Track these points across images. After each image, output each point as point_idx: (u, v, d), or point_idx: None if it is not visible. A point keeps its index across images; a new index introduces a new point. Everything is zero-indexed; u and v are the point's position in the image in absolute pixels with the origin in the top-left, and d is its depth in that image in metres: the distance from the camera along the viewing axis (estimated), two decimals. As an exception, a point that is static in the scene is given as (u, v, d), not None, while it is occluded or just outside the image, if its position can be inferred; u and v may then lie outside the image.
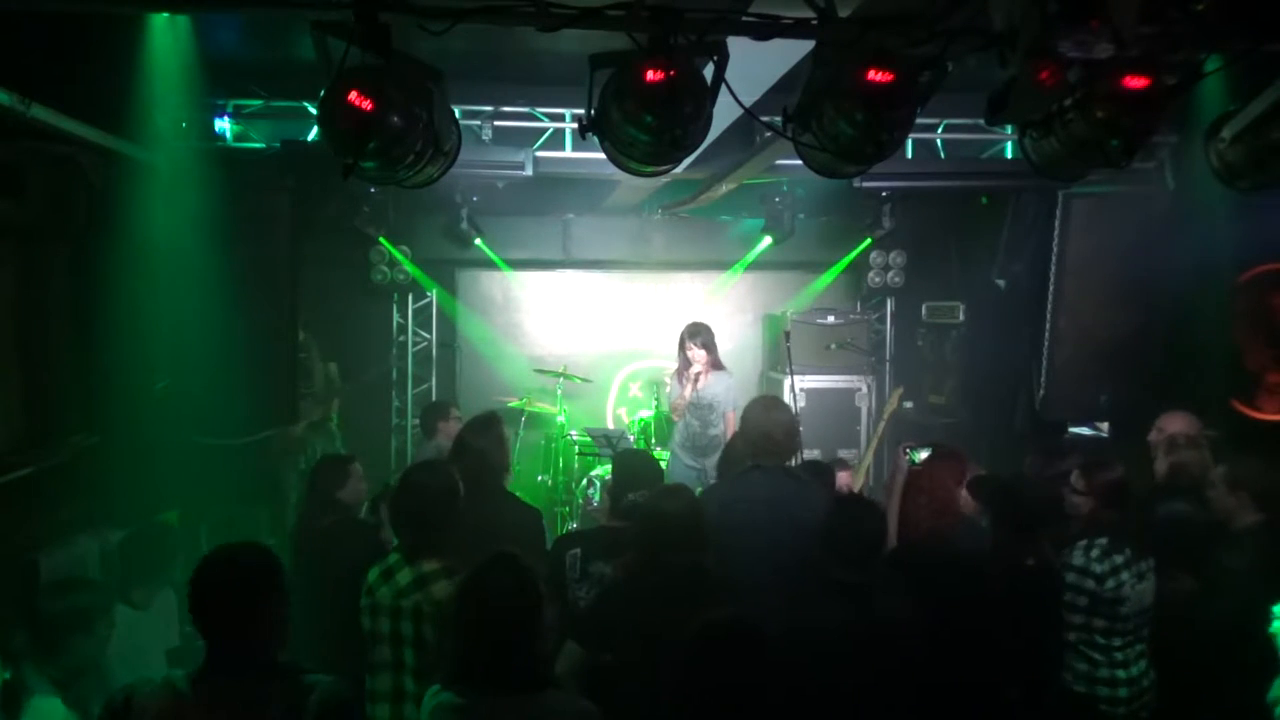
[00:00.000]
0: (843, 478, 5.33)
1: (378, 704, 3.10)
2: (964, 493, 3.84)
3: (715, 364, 6.40)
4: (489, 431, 4.08)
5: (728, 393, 6.37)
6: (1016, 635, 3.33)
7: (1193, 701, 3.59)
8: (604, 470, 6.94)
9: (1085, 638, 3.56)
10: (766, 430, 3.76)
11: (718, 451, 6.53)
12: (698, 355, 6.31)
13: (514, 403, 7.81)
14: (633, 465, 4.00)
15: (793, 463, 4.03)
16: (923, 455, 3.84)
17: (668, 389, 6.81)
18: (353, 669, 3.08)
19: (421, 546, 3.18)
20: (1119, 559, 3.53)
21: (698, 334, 6.34)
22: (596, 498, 6.79)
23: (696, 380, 6.27)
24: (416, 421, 8.57)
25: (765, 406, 3.92)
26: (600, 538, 3.76)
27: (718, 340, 6.52)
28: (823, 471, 4.59)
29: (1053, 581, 3.54)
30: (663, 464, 6.97)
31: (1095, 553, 3.55)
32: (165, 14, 4.31)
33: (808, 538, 3.28)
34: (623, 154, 3.22)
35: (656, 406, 7.65)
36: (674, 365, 6.69)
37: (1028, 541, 3.50)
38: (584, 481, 7.18)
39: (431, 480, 3.33)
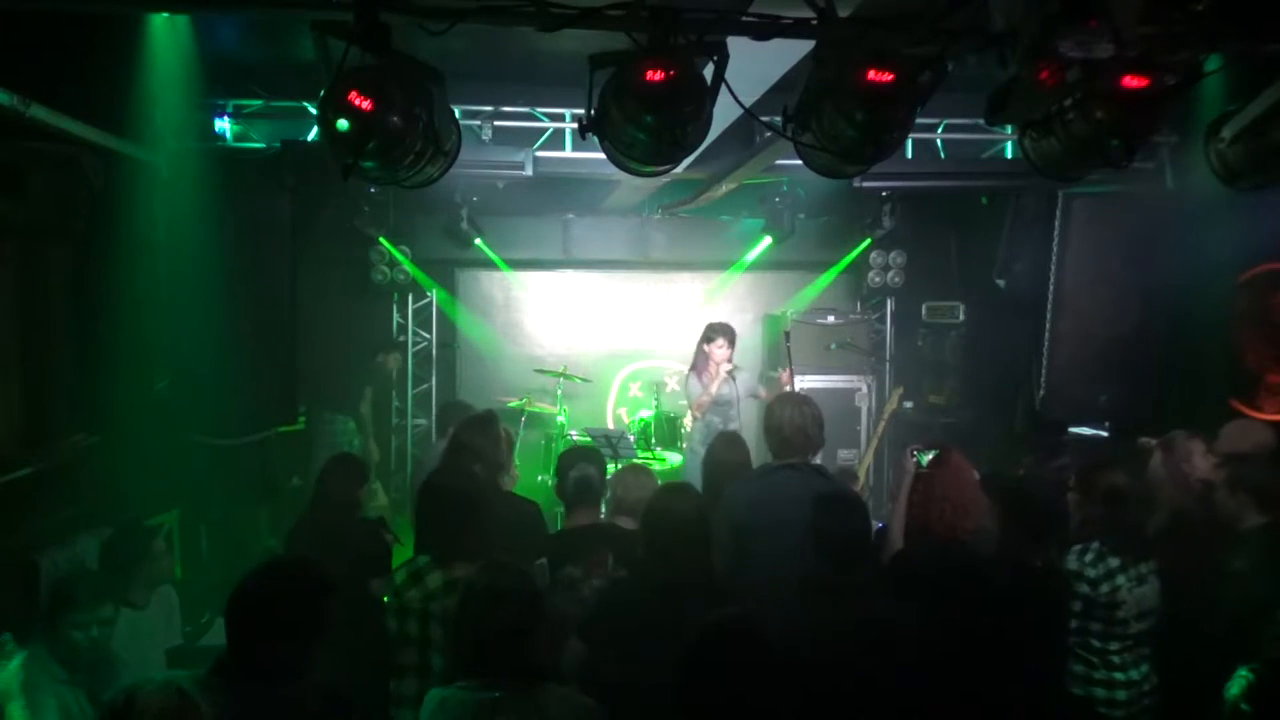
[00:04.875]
0: None
1: (403, 707, 3.08)
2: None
3: (733, 365, 6.52)
4: (485, 430, 4.08)
5: (745, 387, 6.50)
6: (1023, 637, 3.32)
7: (1197, 704, 3.57)
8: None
9: (1081, 641, 3.55)
10: (801, 426, 3.74)
11: None
12: (722, 354, 6.40)
13: (514, 403, 7.81)
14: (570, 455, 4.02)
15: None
16: (930, 457, 3.80)
17: (686, 385, 6.81)
18: (352, 665, 3.08)
19: (451, 551, 3.17)
20: (1114, 562, 3.52)
21: (727, 332, 6.45)
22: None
23: (732, 377, 6.39)
24: (418, 422, 8.59)
25: (796, 403, 3.88)
26: (563, 541, 3.75)
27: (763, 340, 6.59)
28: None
29: (1059, 584, 3.53)
30: (669, 464, 7.01)
31: (1089, 557, 3.53)
32: (165, 14, 4.31)
33: None
34: (623, 154, 3.21)
35: (656, 406, 7.65)
36: (673, 365, 6.73)
37: (1036, 544, 3.49)
38: None
39: (454, 484, 3.34)
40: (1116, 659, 3.54)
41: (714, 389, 6.36)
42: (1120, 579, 3.51)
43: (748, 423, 6.40)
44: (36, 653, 3.21)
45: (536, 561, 3.57)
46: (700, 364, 6.50)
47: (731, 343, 6.43)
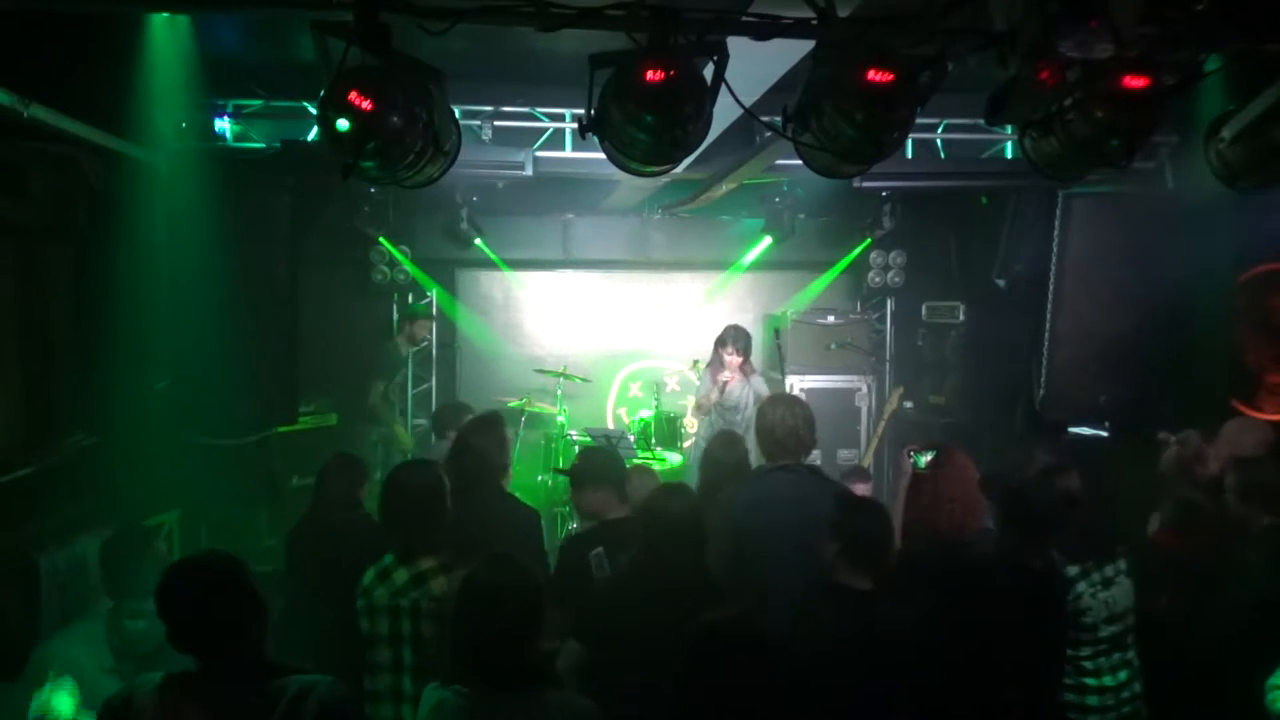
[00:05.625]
0: (861, 490, 5.26)
1: (379, 704, 3.10)
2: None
3: (747, 369, 6.63)
4: (490, 431, 4.08)
5: (757, 391, 6.59)
6: (1020, 638, 3.32)
7: (1201, 703, 3.57)
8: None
9: None
10: (793, 427, 3.73)
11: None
12: (731, 361, 6.51)
13: (514, 403, 7.81)
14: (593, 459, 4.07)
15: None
16: (927, 458, 3.79)
17: (701, 385, 6.95)
18: (352, 665, 3.09)
19: (414, 546, 3.19)
20: (1073, 570, 3.51)
21: (739, 339, 6.55)
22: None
23: (724, 387, 6.52)
24: (418, 422, 8.58)
25: (787, 404, 3.86)
26: (616, 531, 3.74)
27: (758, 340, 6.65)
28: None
29: (1057, 585, 3.52)
30: (669, 464, 7.02)
31: None
32: (165, 14, 4.31)
33: None
34: (623, 154, 3.22)
35: (656, 406, 7.65)
36: (673, 365, 6.78)
37: (1035, 545, 3.49)
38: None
39: (415, 479, 3.33)
40: (1088, 665, 3.51)
41: (713, 396, 6.52)
42: (1081, 585, 3.49)
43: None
44: (91, 634, 3.23)
45: (593, 552, 3.57)
46: (715, 365, 6.65)
47: (739, 350, 6.52)
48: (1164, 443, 4.39)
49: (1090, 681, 3.51)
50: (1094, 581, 3.51)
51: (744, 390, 6.55)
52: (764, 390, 6.59)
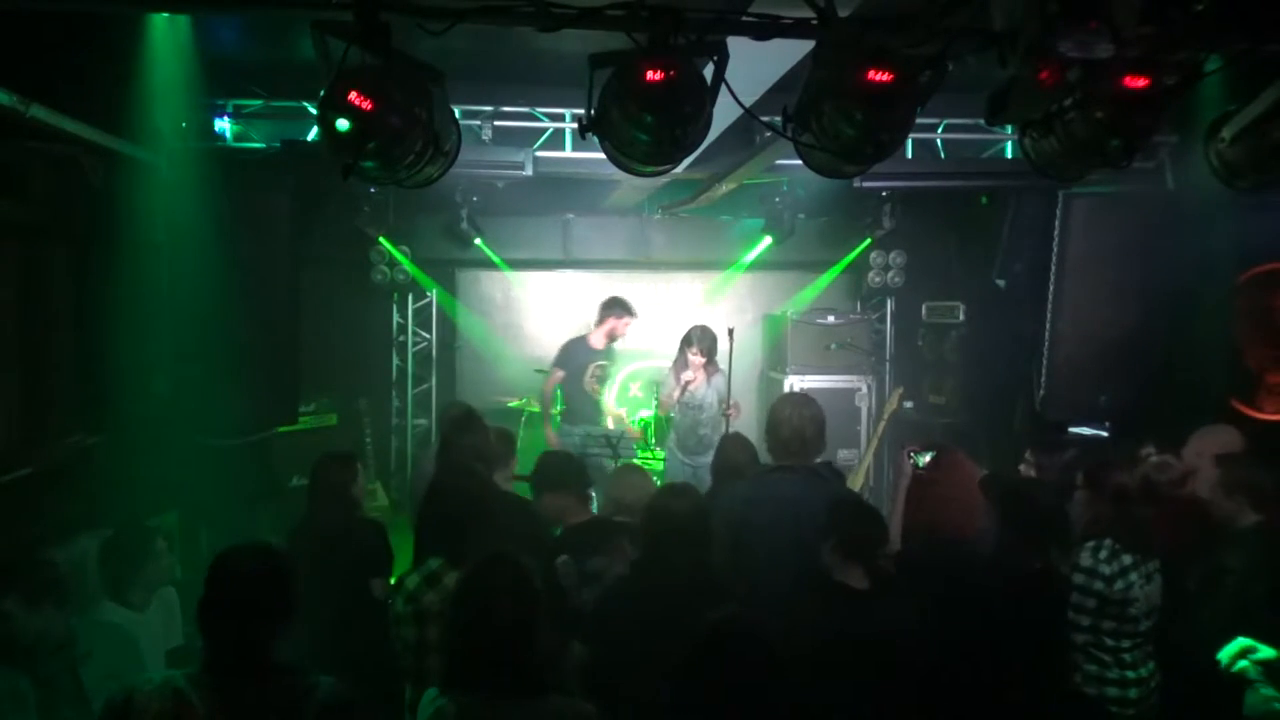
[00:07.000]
0: None
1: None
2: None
3: (710, 369, 6.57)
4: (473, 427, 4.09)
5: (717, 392, 6.55)
6: (1021, 639, 3.32)
7: (1193, 702, 3.58)
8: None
9: (1093, 640, 3.53)
10: (798, 428, 3.72)
11: (706, 453, 6.63)
12: (695, 361, 6.48)
13: (514, 403, 7.81)
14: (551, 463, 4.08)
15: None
16: (927, 459, 3.79)
17: (664, 383, 6.92)
18: (353, 665, 3.07)
19: (464, 550, 3.16)
20: (1127, 560, 3.52)
21: (704, 339, 6.50)
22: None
23: (685, 387, 6.50)
24: (418, 422, 8.59)
25: (796, 404, 3.85)
26: (582, 534, 3.75)
27: (720, 340, 6.59)
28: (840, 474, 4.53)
29: (1058, 585, 3.53)
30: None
31: (1104, 554, 3.53)
32: (165, 14, 4.31)
33: None
34: (623, 154, 3.22)
35: (656, 406, 7.65)
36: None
37: (1035, 545, 3.49)
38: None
39: (461, 483, 3.39)
40: (1129, 657, 3.54)
41: (675, 394, 6.53)
42: (1133, 576, 3.51)
43: (720, 427, 6.45)
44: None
45: (559, 559, 3.56)
46: (680, 364, 6.61)
47: (704, 351, 6.48)
48: (1144, 458, 4.38)
49: (1130, 675, 3.55)
50: (1142, 574, 3.54)
51: (707, 390, 6.55)
52: (724, 390, 6.50)
